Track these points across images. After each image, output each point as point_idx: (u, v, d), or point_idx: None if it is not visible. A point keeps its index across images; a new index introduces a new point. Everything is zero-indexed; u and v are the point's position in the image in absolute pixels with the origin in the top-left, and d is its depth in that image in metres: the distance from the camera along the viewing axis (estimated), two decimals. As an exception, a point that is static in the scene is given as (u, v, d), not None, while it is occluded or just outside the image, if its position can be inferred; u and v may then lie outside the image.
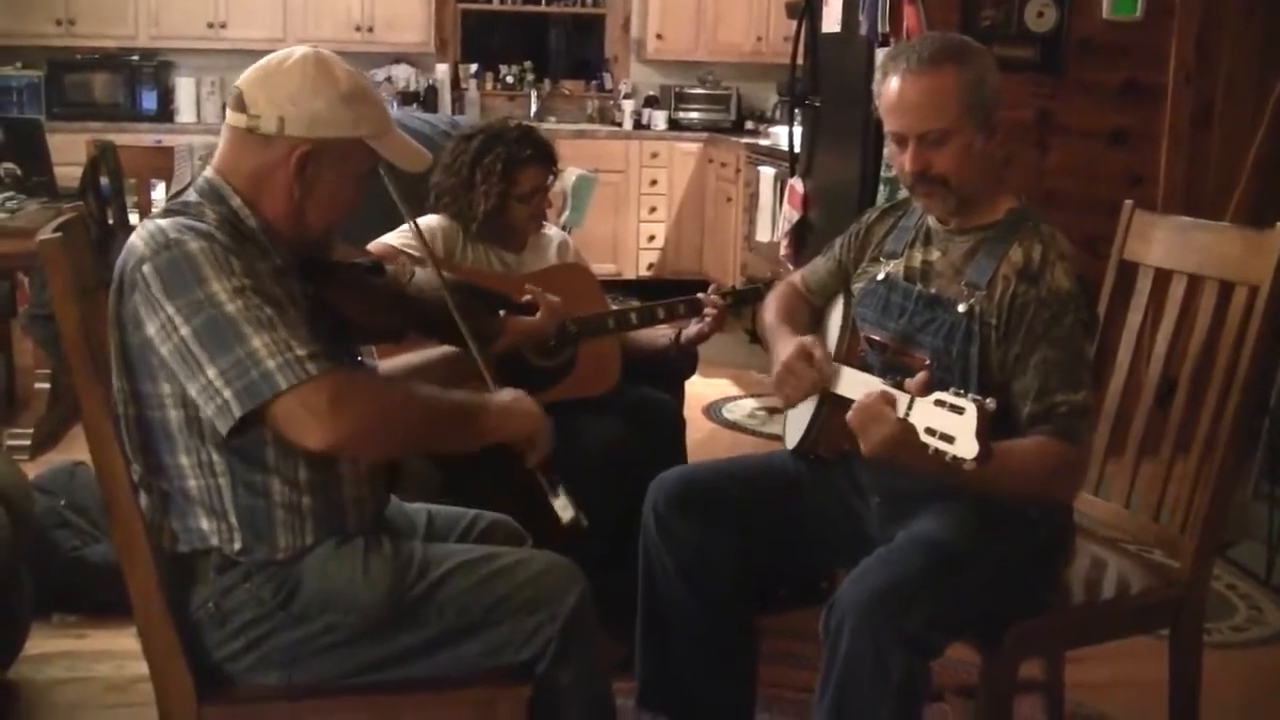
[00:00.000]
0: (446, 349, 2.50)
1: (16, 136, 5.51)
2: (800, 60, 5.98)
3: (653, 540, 2.66)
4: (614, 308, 3.48)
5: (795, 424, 2.71)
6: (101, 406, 2.00)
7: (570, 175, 6.66)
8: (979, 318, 2.35)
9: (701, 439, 5.41)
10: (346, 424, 1.92)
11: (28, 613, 3.14)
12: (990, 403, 1.96)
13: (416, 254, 3.22)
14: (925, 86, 2.35)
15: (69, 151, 5.79)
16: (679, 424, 3.60)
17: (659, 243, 8.84)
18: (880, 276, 2.55)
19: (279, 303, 1.97)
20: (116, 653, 3.21)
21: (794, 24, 6.07)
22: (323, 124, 2.08)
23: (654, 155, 8.78)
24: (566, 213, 6.63)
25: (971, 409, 1.96)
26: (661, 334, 3.63)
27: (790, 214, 6.09)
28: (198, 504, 2.06)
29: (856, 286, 2.63)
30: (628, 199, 8.74)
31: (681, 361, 3.67)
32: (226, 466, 2.03)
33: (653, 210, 8.81)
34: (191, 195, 2.11)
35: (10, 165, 5.38)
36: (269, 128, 2.06)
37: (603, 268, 8.52)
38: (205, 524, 2.06)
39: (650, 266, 8.84)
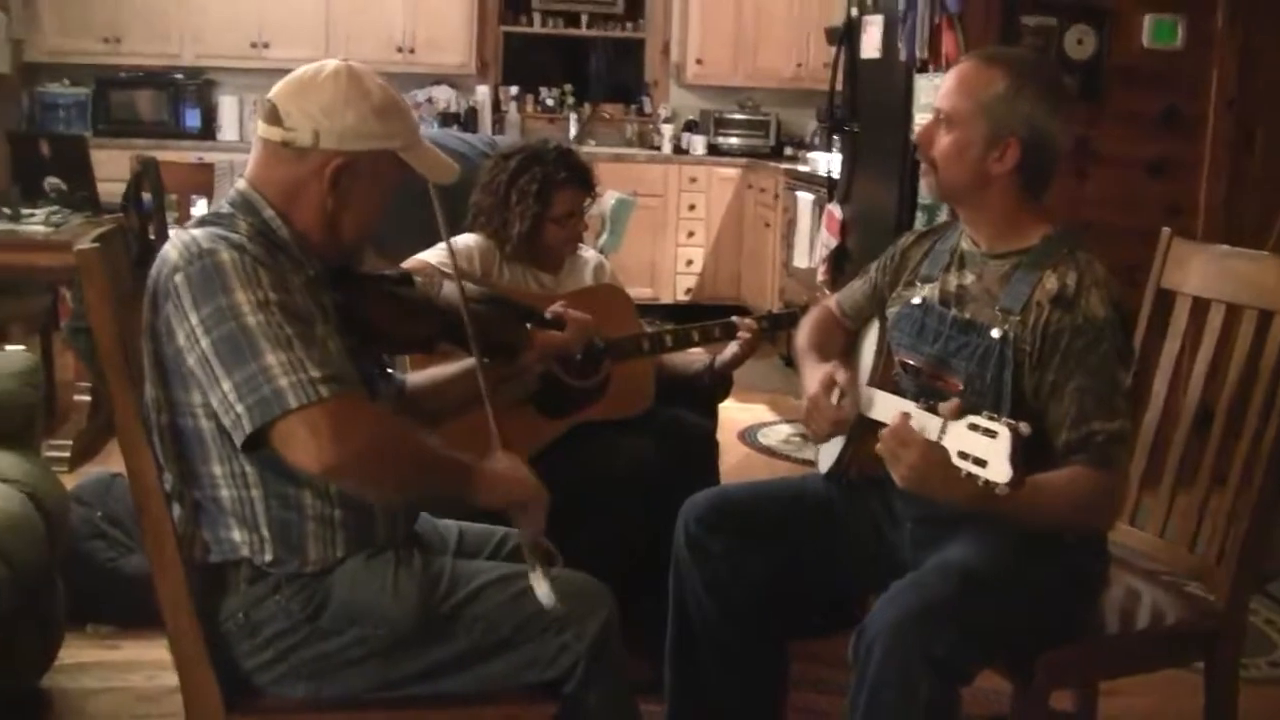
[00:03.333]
0: (473, 362, 2.51)
1: (61, 152, 5.58)
2: (839, 86, 5.99)
3: (684, 561, 2.66)
4: (649, 330, 3.48)
5: (829, 447, 2.70)
6: (134, 415, 2.01)
7: (609, 198, 6.68)
8: (1013, 343, 2.34)
9: (736, 464, 5.40)
10: (345, 450, 1.92)
11: (61, 622, 3.16)
12: (1024, 427, 1.96)
13: (450, 270, 3.25)
14: (964, 72, 2.42)
15: (113, 167, 5.86)
16: (712, 447, 3.59)
17: (697, 267, 8.84)
18: (915, 300, 2.55)
19: (304, 319, 1.99)
20: (148, 663, 3.22)
21: (834, 50, 6.08)
22: (356, 137, 2.10)
23: (692, 180, 8.79)
24: (604, 236, 6.65)
25: (1005, 433, 1.95)
26: (696, 357, 3.63)
27: (828, 240, 6.09)
28: (230, 514, 2.07)
29: (891, 310, 2.62)
30: (666, 223, 8.76)
31: (716, 385, 3.66)
32: (259, 478, 2.04)
33: (691, 235, 8.82)
34: (225, 206, 2.13)
35: (55, 180, 5.45)
36: (304, 141, 2.08)
37: (640, 292, 8.53)
38: (237, 535, 2.07)
39: (688, 291, 8.84)
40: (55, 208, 5.23)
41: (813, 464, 2.83)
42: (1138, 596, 2.69)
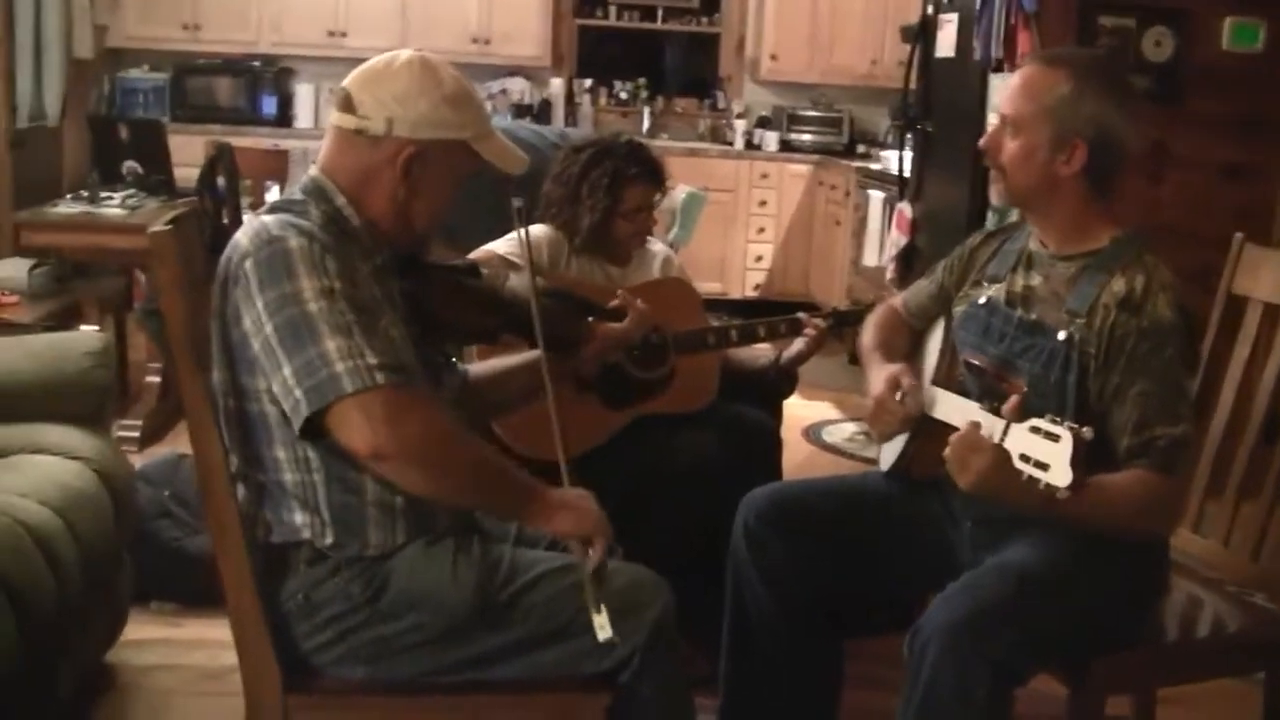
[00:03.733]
0: (533, 354, 2.52)
1: (139, 136, 5.68)
2: (913, 85, 5.95)
3: (742, 556, 2.66)
4: (715, 324, 3.49)
5: (890, 445, 2.70)
6: (201, 397, 2.04)
7: (680, 193, 6.67)
8: (1078, 346, 2.32)
9: (800, 461, 5.39)
10: (396, 437, 1.94)
11: (127, 599, 3.22)
12: (1087, 431, 1.95)
13: (519, 261, 3.26)
14: (1028, 75, 2.41)
15: (190, 152, 5.92)
16: (774, 443, 3.58)
17: (766, 263, 8.83)
18: (981, 300, 2.53)
19: (367, 309, 2.01)
20: (211, 642, 3.27)
21: (908, 48, 6.04)
22: (429, 125, 2.12)
23: (764, 176, 8.77)
24: (674, 230, 6.65)
25: (1067, 436, 1.94)
26: (762, 353, 3.63)
27: (898, 238, 6.06)
28: (292, 497, 2.10)
29: (957, 310, 2.61)
30: (736, 219, 8.75)
31: (781, 381, 3.65)
32: (321, 462, 2.07)
33: (761, 231, 8.80)
34: (297, 193, 2.16)
35: (132, 164, 5.55)
36: (377, 129, 2.11)
37: (709, 286, 8.53)
38: (299, 517, 2.10)
39: (757, 287, 8.83)
40: (132, 191, 5.32)
41: (876, 463, 2.83)
42: (1199, 604, 2.66)
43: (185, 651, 3.32)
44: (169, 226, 2.01)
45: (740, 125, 9.06)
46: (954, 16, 5.50)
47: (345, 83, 2.17)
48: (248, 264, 2.01)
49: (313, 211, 2.10)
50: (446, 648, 2.11)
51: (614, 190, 3.38)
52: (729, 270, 8.78)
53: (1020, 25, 4.77)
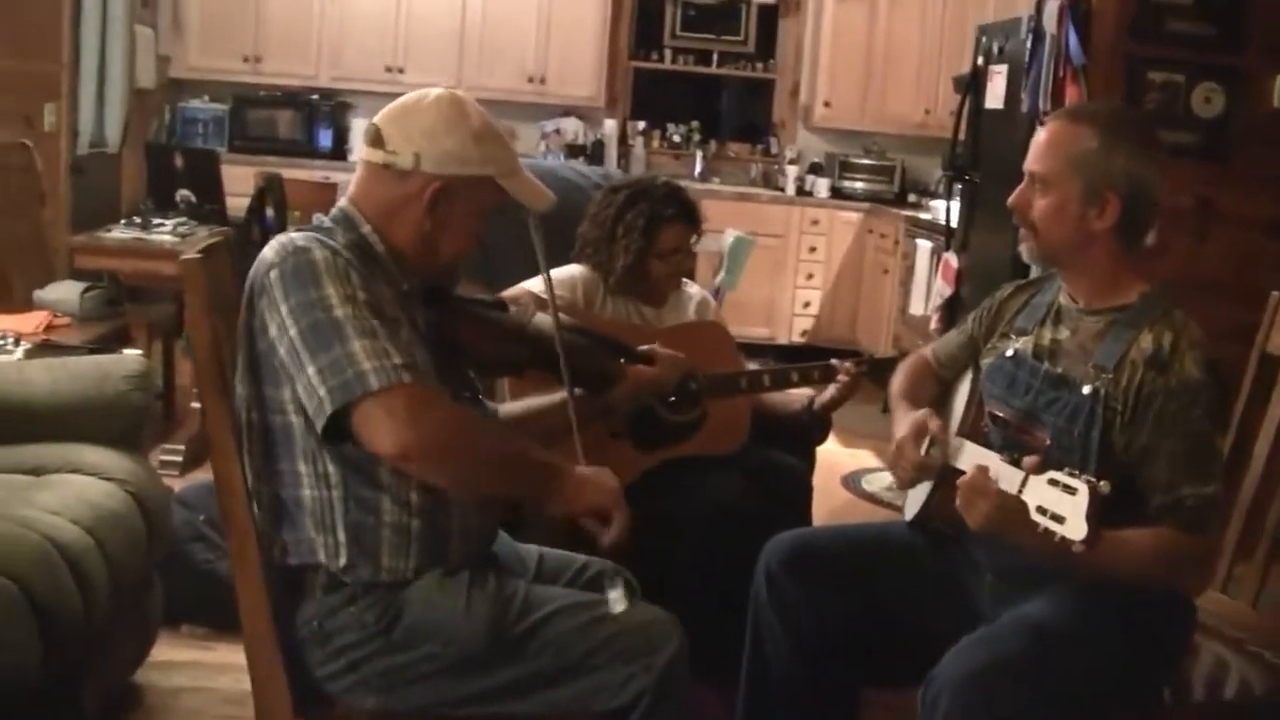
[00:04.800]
0: (564, 395, 2.53)
1: (194, 165, 5.78)
2: (962, 135, 5.95)
3: (763, 601, 2.66)
4: (749, 368, 3.49)
5: (915, 495, 2.70)
6: (225, 421, 2.08)
7: (728, 236, 6.69)
8: (1103, 401, 2.31)
9: (837, 508, 5.37)
10: (420, 433, 1.97)
11: (157, 619, 3.25)
12: (1104, 485, 1.94)
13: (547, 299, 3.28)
14: (1054, 131, 2.41)
15: (245, 182, 6.00)
16: (804, 489, 3.58)
17: (814, 310, 8.82)
18: (1009, 352, 2.53)
19: (389, 319, 2.05)
20: (238, 666, 3.22)
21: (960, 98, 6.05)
22: (455, 161, 2.16)
23: (814, 222, 8.77)
24: (722, 273, 6.66)
25: (1084, 490, 1.94)
26: (795, 398, 3.63)
27: (942, 288, 6.05)
28: (309, 515, 2.12)
29: (985, 361, 2.61)
30: (785, 264, 8.75)
31: (814, 427, 3.65)
32: (340, 479, 2.10)
33: (810, 277, 8.80)
34: (325, 221, 2.21)
35: (186, 192, 5.64)
36: (405, 163, 2.16)
37: (756, 331, 8.54)
38: (314, 536, 2.13)
39: (804, 333, 8.82)
40: (184, 219, 5.41)
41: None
42: (1225, 666, 2.63)
43: (212, 675, 3.34)
44: (199, 254, 2.04)
45: (792, 171, 9.08)
46: (1004, 68, 5.51)
47: (376, 118, 2.22)
48: (273, 274, 2.05)
49: (339, 236, 2.15)
50: (459, 680, 2.12)
51: (650, 231, 3.40)
52: (777, 315, 8.78)
53: (1069, 78, 4.78)
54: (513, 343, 2.42)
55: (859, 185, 9.01)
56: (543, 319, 2.48)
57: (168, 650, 3.39)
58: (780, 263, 8.71)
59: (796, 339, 8.78)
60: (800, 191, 9.02)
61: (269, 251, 2.10)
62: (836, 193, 8.96)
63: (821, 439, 3.76)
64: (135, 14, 7.37)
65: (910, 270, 7.47)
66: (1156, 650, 2.40)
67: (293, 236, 2.11)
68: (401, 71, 8.46)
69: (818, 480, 3.70)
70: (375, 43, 8.52)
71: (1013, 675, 2.16)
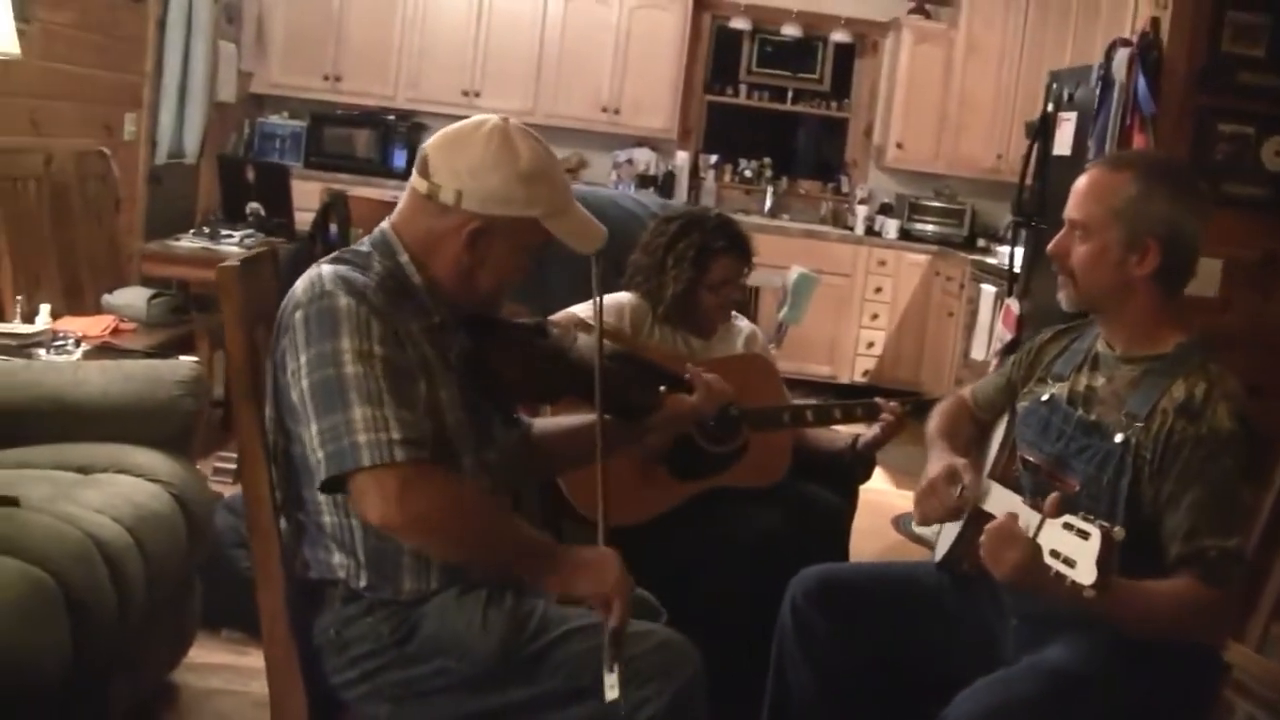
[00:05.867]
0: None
1: (265, 179, 5.88)
2: (1030, 180, 5.92)
3: (787, 633, 2.66)
4: (793, 403, 3.50)
5: (945, 537, 2.69)
6: (254, 430, 2.12)
7: (793, 272, 6.70)
8: (1134, 450, 2.30)
9: (884, 549, 5.35)
10: (407, 513, 1.99)
11: (195, 621, 3.31)
12: (1119, 531, 1.93)
13: (593, 324, 3.30)
14: (1093, 179, 2.40)
15: (318, 199, 6.09)
16: (843, 527, 3.57)
17: (877, 350, 8.78)
18: (1044, 397, 2.52)
19: (405, 373, 2.06)
20: (271, 673, 3.33)
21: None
22: (497, 202, 2.15)
23: (881, 263, 8.75)
24: (785, 309, 6.67)
25: (1096, 535, 1.93)
26: (839, 435, 3.62)
27: (1003, 333, 6.02)
28: (330, 538, 2.15)
29: (1021, 405, 2.60)
30: (851, 303, 8.73)
31: (857, 466, 3.64)
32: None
33: (875, 317, 8.77)
34: (365, 244, 2.21)
35: (256, 205, 5.73)
36: (447, 198, 2.15)
37: (818, 369, 8.53)
38: (336, 558, 2.15)
39: (866, 373, 8.78)
40: (251, 231, 5.50)
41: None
42: (1255, 725, 2.61)
43: (246, 680, 3.38)
44: (236, 264, 2.08)
45: (862, 211, 9.07)
46: (1073, 115, 5.48)
47: (426, 145, 2.21)
48: (298, 315, 2.07)
49: (375, 265, 2.15)
50: (470, 695, 2.14)
51: (700, 262, 3.42)
52: (839, 354, 8.75)
53: (1135, 127, 4.74)
54: (549, 372, 2.39)
55: (928, 227, 8.98)
56: (585, 344, 2.47)
57: (205, 653, 3.44)
58: (845, 302, 8.70)
59: (859, 379, 8.75)
60: (869, 231, 9.01)
61: (299, 288, 2.12)
62: (905, 234, 8.94)
63: (865, 478, 3.75)
64: (219, 30, 7.53)
65: (974, 314, 7.44)
66: (1180, 703, 2.37)
67: (323, 273, 2.11)
68: (478, 95, 8.55)
69: (868, 522, 3.68)
70: (453, 66, 8.64)
71: (1025, 718, 2.14)
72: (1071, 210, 2.41)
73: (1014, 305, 5.97)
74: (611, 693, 2.04)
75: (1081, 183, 2.42)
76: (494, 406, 2.31)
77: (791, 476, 3.45)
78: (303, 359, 2.04)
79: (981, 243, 8.84)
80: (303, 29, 8.55)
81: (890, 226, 8.97)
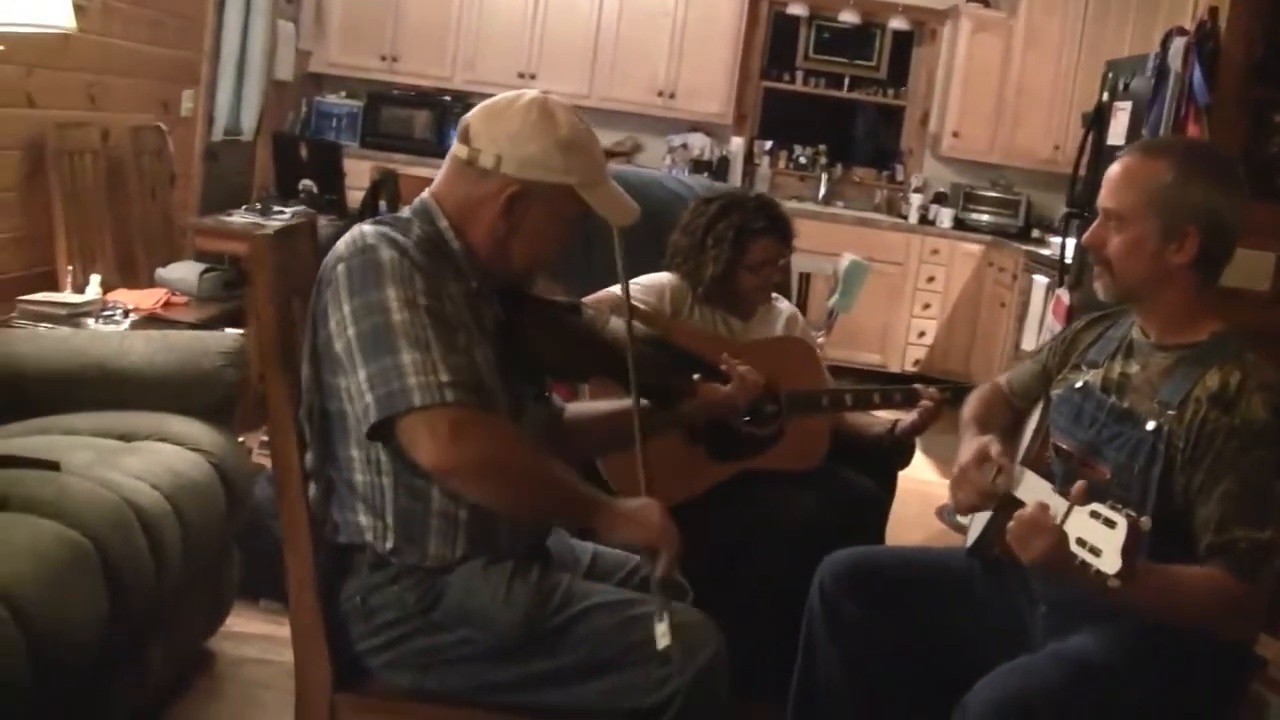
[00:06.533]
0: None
1: (318, 157, 5.93)
2: (1083, 170, 5.87)
3: (816, 615, 2.66)
4: (831, 387, 3.49)
5: (977, 523, 2.68)
6: (284, 400, 2.14)
7: (844, 260, 6.69)
8: (1165, 438, 2.27)
9: (927, 538, 5.30)
10: (459, 454, 2.01)
11: (233, 589, 3.35)
12: (1145, 521, 1.92)
13: (642, 307, 3.31)
14: (1127, 166, 2.36)
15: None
16: (880, 512, 3.56)
17: (928, 339, 8.74)
18: (1078, 385, 2.50)
19: (448, 324, 2.07)
20: (309, 643, 3.37)
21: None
22: (535, 167, 2.17)
23: (934, 252, 8.70)
24: (835, 296, 6.66)
25: (1123, 524, 1.92)
26: (877, 420, 3.61)
27: (1052, 324, 5.98)
28: (360, 498, 2.17)
29: (1055, 392, 2.58)
30: (903, 292, 8.68)
31: (896, 451, 3.63)
32: (392, 466, 2.14)
33: (926, 307, 8.72)
34: (406, 212, 2.24)
35: (308, 183, 5.78)
36: (486, 163, 2.18)
37: (869, 357, 8.50)
38: (363, 519, 2.17)
39: (916, 362, 8.74)
40: (303, 207, 5.54)
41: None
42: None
43: (281, 649, 3.37)
44: (269, 234, 2.11)
45: (916, 199, 9.02)
46: (1128, 105, 5.43)
47: (468, 115, 2.25)
48: (340, 268, 2.10)
49: (415, 229, 2.18)
50: (493, 666, 2.16)
51: (739, 243, 3.42)
52: (890, 343, 8.72)
53: (1190, 118, 4.68)
54: (580, 350, 2.40)
55: (983, 217, 8.92)
56: (617, 325, 2.48)
57: (242, 622, 3.48)
58: (898, 290, 8.66)
59: (909, 368, 8.71)
60: (923, 220, 8.96)
61: (341, 244, 2.14)
62: (959, 223, 8.88)
63: (904, 464, 3.74)
64: (278, 9, 7.59)
65: (1026, 305, 7.38)
66: (1206, 698, 2.35)
67: (364, 231, 2.14)
68: (534, 78, 8.56)
69: (912, 510, 3.67)
70: (510, 48, 8.66)
71: (1041, 705, 2.13)
72: (1105, 199, 2.37)
73: (1064, 296, 5.93)
74: (664, 640, 2.06)
75: (1115, 170, 2.38)
76: (525, 379, 2.32)
77: (830, 461, 3.45)
78: (346, 309, 2.06)
79: (1036, 233, 8.77)
80: (361, 9, 8.60)
81: (945, 216, 8.90)
